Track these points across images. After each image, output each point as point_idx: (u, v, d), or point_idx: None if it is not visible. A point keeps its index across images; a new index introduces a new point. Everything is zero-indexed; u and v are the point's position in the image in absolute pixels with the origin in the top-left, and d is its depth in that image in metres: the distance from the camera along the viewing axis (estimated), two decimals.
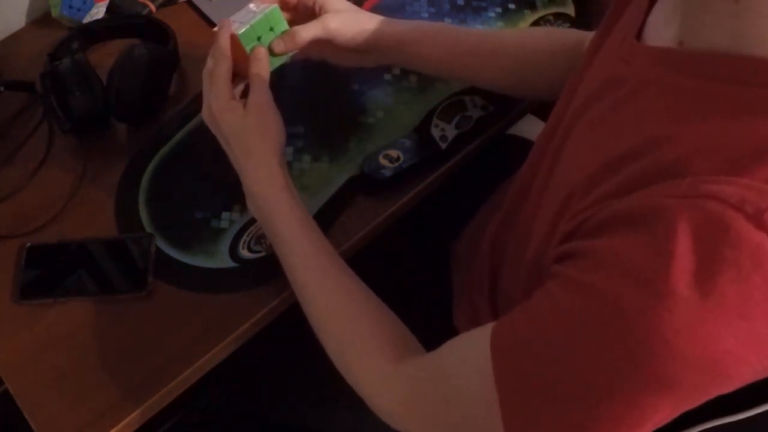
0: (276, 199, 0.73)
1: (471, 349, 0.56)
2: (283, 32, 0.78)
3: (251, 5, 0.78)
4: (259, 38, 0.77)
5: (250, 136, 0.74)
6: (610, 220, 0.48)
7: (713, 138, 0.46)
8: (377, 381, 0.66)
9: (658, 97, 0.53)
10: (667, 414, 0.47)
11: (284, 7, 0.81)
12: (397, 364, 0.64)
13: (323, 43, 0.80)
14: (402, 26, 0.83)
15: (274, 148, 0.75)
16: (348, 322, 0.69)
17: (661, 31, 0.57)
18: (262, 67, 0.76)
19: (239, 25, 0.76)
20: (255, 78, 0.75)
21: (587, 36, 0.75)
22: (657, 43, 0.56)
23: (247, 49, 0.76)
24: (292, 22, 0.80)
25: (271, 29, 0.77)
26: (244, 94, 0.76)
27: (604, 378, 0.46)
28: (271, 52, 0.78)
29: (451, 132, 0.88)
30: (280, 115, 0.76)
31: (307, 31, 0.78)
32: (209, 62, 0.76)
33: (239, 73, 0.78)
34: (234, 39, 0.76)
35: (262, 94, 0.75)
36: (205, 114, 0.76)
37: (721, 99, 0.48)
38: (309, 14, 0.81)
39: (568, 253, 0.51)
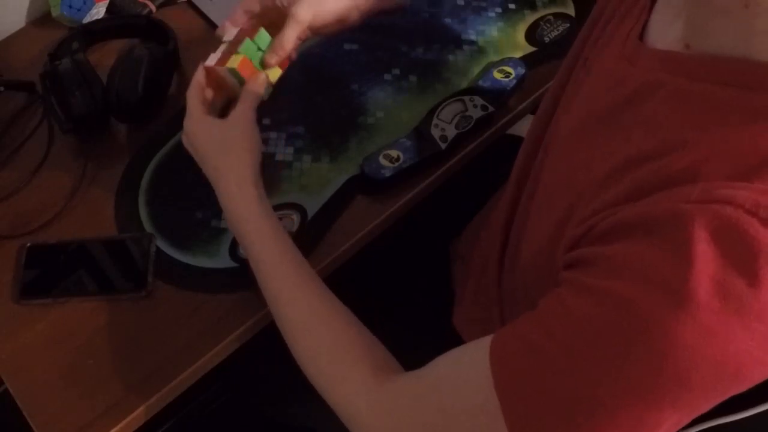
0: (248, 212, 0.71)
1: (467, 361, 0.54)
2: (269, 45, 0.79)
3: (222, 45, 0.80)
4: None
5: (227, 148, 0.73)
6: (622, 226, 0.47)
7: (724, 144, 0.46)
8: (359, 395, 0.60)
9: (665, 101, 0.52)
10: (683, 416, 0.47)
11: (252, 16, 0.81)
12: (381, 378, 0.61)
13: (311, 29, 0.80)
14: None
15: (251, 161, 0.73)
16: (328, 330, 0.66)
17: (666, 32, 0.56)
18: (257, 87, 0.76)
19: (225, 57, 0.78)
20: (246, 94, 0.75)
21: None
22: (661, 45, 0.56)
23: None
24: (268, 30, 0.80)
25: (259, 49, 0.78)
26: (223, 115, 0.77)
27: (622, 382, 0.45)
28: (266, 67, 0.78)
29: (451, 132, 0.88)
30: (259, 133, 0.75)
31: (287, 33, 0.78)
32: None
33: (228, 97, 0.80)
34: (210, 72, 0.78)
35: (247, 108, 0.74)
36: (183, 136, 0.77)
37: (732, 105, 0.48)
38: (279, 14, 0.80)
39: (578, 259, 0.50)
